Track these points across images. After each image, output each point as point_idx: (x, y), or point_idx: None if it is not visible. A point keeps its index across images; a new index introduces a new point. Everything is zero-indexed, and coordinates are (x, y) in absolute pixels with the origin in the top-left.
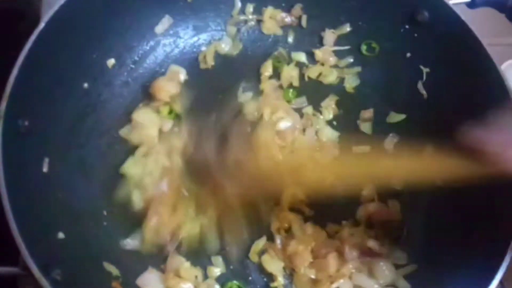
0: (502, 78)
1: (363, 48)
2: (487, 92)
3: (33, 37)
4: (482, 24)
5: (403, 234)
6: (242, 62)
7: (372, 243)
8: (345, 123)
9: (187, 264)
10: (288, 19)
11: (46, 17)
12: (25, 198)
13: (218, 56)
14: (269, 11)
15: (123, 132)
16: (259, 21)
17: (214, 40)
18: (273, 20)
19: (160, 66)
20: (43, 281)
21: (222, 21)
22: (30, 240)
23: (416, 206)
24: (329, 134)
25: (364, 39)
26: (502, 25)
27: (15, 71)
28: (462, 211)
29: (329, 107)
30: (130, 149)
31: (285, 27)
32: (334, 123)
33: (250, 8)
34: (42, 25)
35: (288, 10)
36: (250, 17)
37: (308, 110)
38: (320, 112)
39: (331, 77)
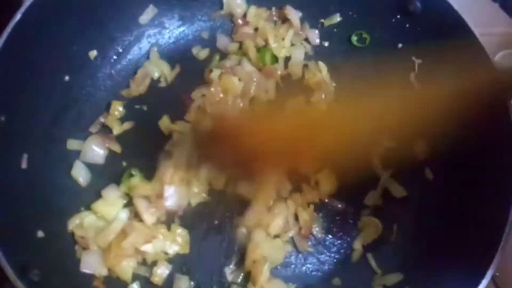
0: (494, 68)
1: (354, 39)
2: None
3: (8, 29)
4: (475, 14)
5: (393, 233)
6: None
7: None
8: None
9: None
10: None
11: (23, 7)
12: (1, 196)
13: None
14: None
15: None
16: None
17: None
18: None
19: (145, 58)
20: (18, 283)
21: (209, 11)
22: (6, 239)
23: (407, 205)
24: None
25: (355, 30)
26: (496, 15)
27: None
28: (453, 209)
29: None
30: None
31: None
32: None
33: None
34: (18, 16)
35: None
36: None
37: None
38: None
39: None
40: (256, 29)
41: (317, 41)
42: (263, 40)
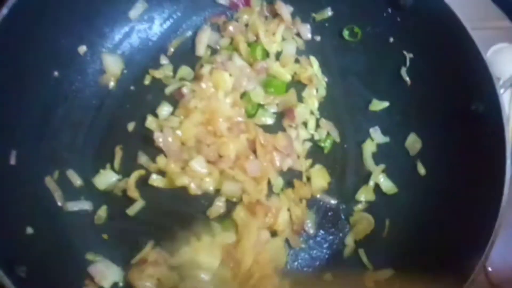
0: (485, 63)
1: (345, 33)
2: (472, 78)
3: None
4: (467, 8)
5: (385, 228)
6: None
7: None
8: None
9: None
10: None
11: (9, 2)
12: None
13: None
14: None
15: None
16: None
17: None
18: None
19: (135, 53)
20: (5, 280)
21: (200, 5)
22: None
23: (399, 201)
24: None
25: (346, 24)
26: (488, 9)
27: None
28: (444, 205)
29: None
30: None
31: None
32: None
33: None
34: (5, 10)
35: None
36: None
37: None
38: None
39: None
40: (246, 25)
41: (309, 35)
42: (254, 35)
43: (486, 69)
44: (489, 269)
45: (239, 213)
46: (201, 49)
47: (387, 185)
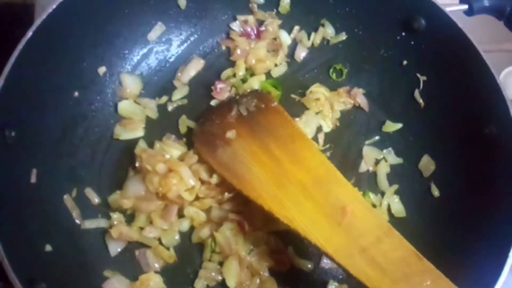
0: (499, 86)
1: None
2: (485, 100)
3: (20, 46)
4: (480, 31)
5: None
6: None
7: None
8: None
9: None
10: None
11: (34, 25)
12: (11, 209)
13: None
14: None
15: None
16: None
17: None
18: None
19: (153, 74)
20: None
21: (215, 29)
22: (14, 253)
23: (414, 222)
24: None
25: (361, 47)
26: (500, 32)
27: (1, 80)
28: (460, 225)
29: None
30: (122, 158)
31: None
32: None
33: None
34: (29, 33)
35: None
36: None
37: None
38: None
39: None
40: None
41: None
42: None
43: (499, 92)
44: None
45: None
46: (185, 78)
47: (397, 208)
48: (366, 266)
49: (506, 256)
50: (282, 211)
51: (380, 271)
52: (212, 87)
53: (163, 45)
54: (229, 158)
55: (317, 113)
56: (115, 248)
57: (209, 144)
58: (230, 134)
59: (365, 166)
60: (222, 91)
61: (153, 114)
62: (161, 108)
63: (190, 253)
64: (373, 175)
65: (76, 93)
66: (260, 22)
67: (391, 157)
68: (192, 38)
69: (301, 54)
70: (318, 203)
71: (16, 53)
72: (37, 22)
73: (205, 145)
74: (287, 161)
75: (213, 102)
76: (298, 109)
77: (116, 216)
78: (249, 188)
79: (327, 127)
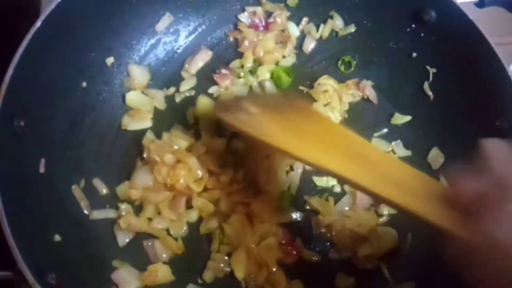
0: (510, 78)
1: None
2: (495, 93)
3: (29, 36)
4: (491, 23)
5: (407, 242)
6: None
7: None
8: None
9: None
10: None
11: (43, 15)
12: (20, 199)
13: None
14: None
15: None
16: None
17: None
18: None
19: (161, 65)
20: (37, 286)
21: (224, 20)
22: (24, 243)
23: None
24: None
25: (370, 39)
26: (511, 24)
27: (10, 70)
28: None
29: None
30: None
31: None
32: None
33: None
34: (38, 23)
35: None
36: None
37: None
38: None
39: None
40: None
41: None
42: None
43: (510, 85)
44: None
45: None
46: (192, 69)
47: None
48: (390, 187)
49: None
50: (308, 153)
51: (406, 189)
52: (217, 71)
53: (171, 36)
54: (251, 121)
55: (325, 105)
56: (123, 239)
57: (229, 111)
58: (253, 109)
59: None
60: (224, 77)
61: (161, 105)
62: (169, 99)
63: (198, 244)
64: None
65: (84, 84)
66: (269, 14)
67: (400, 150)
68: (200, 29)
69: (309, 46)
70: (342, 149)
71: (25, 43)
72: (46, 11)
73: (225, 111)
74: (309, 126)
75: (211, 90)
76: (306, 101)
77: (124, 207)
78: (272, 138)
79: (336, 119)
